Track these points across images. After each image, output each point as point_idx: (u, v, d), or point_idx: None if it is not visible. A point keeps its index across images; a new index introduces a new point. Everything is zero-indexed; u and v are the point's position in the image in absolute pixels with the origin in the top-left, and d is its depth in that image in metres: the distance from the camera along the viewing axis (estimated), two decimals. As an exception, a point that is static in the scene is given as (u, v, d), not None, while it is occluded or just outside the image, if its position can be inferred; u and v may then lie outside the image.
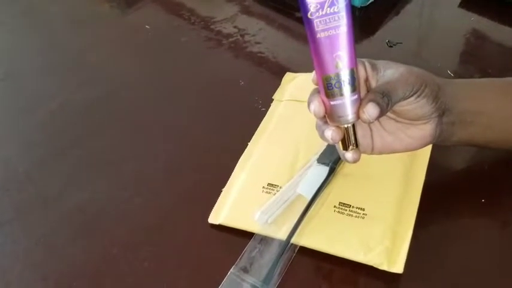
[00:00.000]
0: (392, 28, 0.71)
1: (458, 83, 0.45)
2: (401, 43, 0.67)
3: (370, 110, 0.37)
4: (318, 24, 0.36)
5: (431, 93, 0.40)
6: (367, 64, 0.40)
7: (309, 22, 0.36)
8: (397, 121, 0.42)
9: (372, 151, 0.43)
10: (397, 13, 0.73)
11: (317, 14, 0.35)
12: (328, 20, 0.35)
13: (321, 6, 0.35)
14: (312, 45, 0.37)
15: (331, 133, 0.38)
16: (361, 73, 0.39)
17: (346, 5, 0.35)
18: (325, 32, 0.36)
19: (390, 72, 0.40)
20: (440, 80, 0.42)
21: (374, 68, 0.40)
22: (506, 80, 0.47)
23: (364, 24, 0.72)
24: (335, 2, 0.35)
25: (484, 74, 0.61)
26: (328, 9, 0.35)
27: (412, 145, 0.43)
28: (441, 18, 0.74)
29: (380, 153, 0.43)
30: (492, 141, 0.46)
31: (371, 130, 0.42)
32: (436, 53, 0.66)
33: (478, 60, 0.64)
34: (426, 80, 0.40)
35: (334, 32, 0.36)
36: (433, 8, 0.76)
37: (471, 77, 0.61)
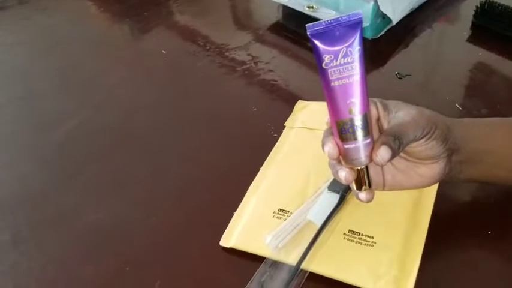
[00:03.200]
0: (402, 60, 0.72)
1: (467, 123, 0.46)
2: (410, 75, 0.68)
3: (383, 153, 0.38)
4: (331, 74, 0.37)
5: (441, 134, 0.41)
6: (379, 104, 0.41)
7: (323, 71, 0.37)
8: (407, 160, 0.43)
9: (383, 188, 0.44)
10: (407, 46, 0.75)
11: (331, 64, 0.36)
12: (341, 70, 0.37)
13: (334, 57, 0.36)
14: (326, 92, 0.38)
15: (345, 174, 0.40)
16: (373, 113, 0.41)
17: (360, 55, 0.36)
18: (339, 81, 0.37)
19: (402, 114, 0.41)
20: (449, 121, 0.43)
21: (385, 108, 0.41)
22: None
23: (375, 56, 0.74)
24: (348, 53, 0.36)
25: (492, 108, 0.62)
26: (342, 59, 0.36)
27: (422, 183, 0.44)
28: (449, 52, 0.75)
29: (391, 189, 0.44)
30: (500, 179, 0.47)
31: (382, 168, 0.43)
32: (444, 86, 0.67)
33: (486, 95, 0.66)
34: (436, 122, 0.41)
35: (347, 81, 0.37)
36: (442, 42, 0.78)
37: (479, 111, 0.62)
